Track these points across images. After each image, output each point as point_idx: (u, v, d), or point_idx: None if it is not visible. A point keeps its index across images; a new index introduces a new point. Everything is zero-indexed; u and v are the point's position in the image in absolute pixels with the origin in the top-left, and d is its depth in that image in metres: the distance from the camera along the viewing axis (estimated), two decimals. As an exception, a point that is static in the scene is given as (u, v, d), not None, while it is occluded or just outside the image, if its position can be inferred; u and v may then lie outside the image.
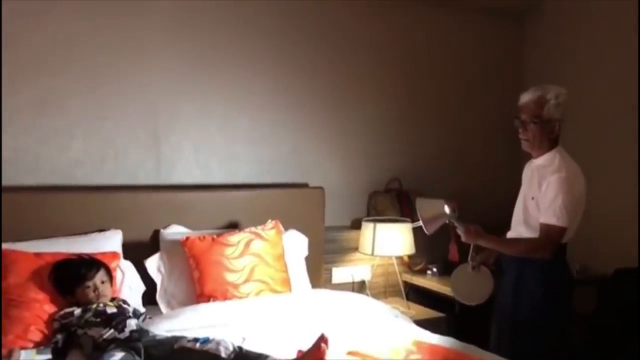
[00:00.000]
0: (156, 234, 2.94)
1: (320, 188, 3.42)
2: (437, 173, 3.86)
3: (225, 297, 2.70)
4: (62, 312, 2.30)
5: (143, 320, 2.42)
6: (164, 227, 2.96)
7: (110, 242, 2.74)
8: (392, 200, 3.63)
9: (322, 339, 2.04)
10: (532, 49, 4.10)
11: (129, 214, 2.88)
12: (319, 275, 3.35)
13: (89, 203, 2.83)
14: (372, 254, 3.39)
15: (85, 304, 2.32)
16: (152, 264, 2.83)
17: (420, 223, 2.63)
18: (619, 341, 2.99)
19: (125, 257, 2.75)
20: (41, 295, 2.38)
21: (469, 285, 2.73)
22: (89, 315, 2.25)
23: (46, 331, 2.29)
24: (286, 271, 2.95)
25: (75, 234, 2.74)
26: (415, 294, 3.64)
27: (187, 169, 3.20)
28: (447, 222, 2.65)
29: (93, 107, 2.96)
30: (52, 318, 2.32)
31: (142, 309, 2.54)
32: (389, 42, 3.71)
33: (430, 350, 2.36)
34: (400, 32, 3.75)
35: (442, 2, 3.78)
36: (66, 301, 2.38)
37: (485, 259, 2.73)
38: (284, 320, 2.52)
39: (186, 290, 2.79)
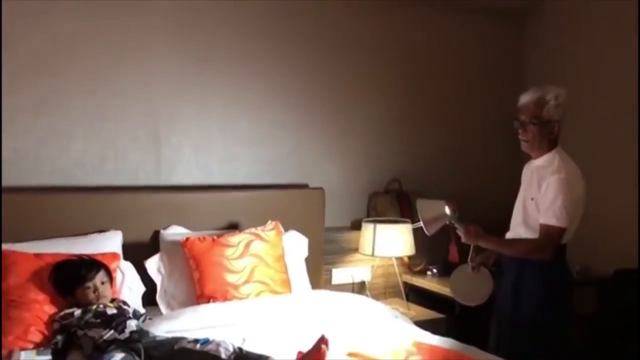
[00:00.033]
0: (156, 235, 2.94)
1: (320, 189, 3.42)
2: (437, 174, 3.86)
3: (225, 298, 2.70)
4: (62, 313, 2.31)
5: (143, 321, 2.42)
6: (164, 228, 2.96)
7: (110, 242, 2.74)
8: (392, 201, 3.63)
9: (323, 340, 2.04)
10: (532, 50, 4.10)
11: (129, 215, 2.88)
12: (319, 276, 3.35)
13: (89, 204, 2.83)
14: (372, 255, 3.39)
15: (85, 305, 2.32)
16: (152, 264, 2.83)
17: (421, 224, 2.63)
18: (619, 342, 2.98)
19: (125, 258, 2.75)
20: (41, 296, 2.38)
21: (469, 286, 2.73)
22: (89, 316, 2.25)
23: (46, 332, 2.29)
24: (286, 272, 2.95)
25: (75, 235, 2.75)
26: (415, 295, 3.64)
27: (187, 170, 3.20)
28: (447, 223, 2.65)
29: (93, 108, 2.96)
30: (52, 319, 2.32)
31: (142, 310, 2.54)
32: (388, 43, 3.71)
33: (431, 351, 2.36)
34: (400, 33, 3.75)
35: (442, 2, 3.78)
36: (66, 302, 2.38)
37: (484, 259, 2.73)
38: (284, 321, 2.52)
39: (186, 291, 2.79)
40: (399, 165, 3.77)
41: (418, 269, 3.69)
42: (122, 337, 2.17)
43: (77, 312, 2.28)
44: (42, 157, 2.86)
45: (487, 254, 2.73)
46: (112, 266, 2.57)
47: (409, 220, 3.46)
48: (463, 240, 2.64)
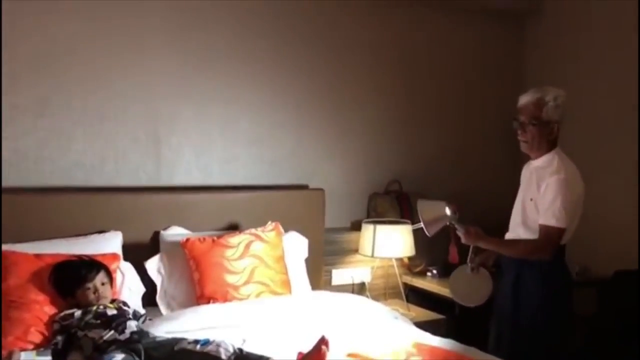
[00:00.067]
0: (156, 236, 2.94)
1: (320, 190, 3.42)
2: (437, 174, 3.86)
3: (225, 299, 2.70)
4: (62, 314, 2.31)
5: (143, 321, 2.43)
6: (164, 229, 2.96)
7: (110, 243, 2.74)
8: (392, 202, 3.63)
9: (323, 341, 2.05)
10: (532, 50, 4.10)
11: (129, 216, 2.89)
12: (319, 276, 3.35)
13: (89, 204, 2.83)
14: (372, 256, 3.39)
15: (85, 306, 2.32)
16: (152, 265, 2.83)
17: (421, 225, 2.63)
18: (619, 343, 2.99)
19: (126, 259, 2.75)
20: (41, 297, 2.38)
21: (468, 287, 2.73)
22: (89, 317, 2.25)
23: (46, 333, 2.29)
24: (286, 273, 2.95)
25: (75, 236, 2.75)
26: (415, 296, 3.63)
27: (187, 171, 3.20)
28: (447, 224, 2.65)
29: (93, 108, 2.96)
30: (52, 320, 2.32)
31: (142, 311, 2.55)
32: (388, 43, 3.71)
33: (431, 352, 2.37)
34: (400, 33, 3.75)
35: (442, 2, 3.78)
36: (66, 303, 2.38)
37: (484, 260, 2.73)
38: (284, 322, 2.52)
39: (186, 291, 2.79)
40: (398, 166, 3.77)
41: (418, 269, 3.69)
42: (122, 337, 2.17)
43: (78, 313, 2.28)
44: (42, 157, 2.87)
45: (487, 254, 2.73)
46: (112, 267, 2.57)
47: (409, 221, 3.46)
48: (463, 241, 2.64)
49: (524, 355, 2.51)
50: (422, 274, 3.67)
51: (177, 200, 3.04)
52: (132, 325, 2.25)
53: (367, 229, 3.41)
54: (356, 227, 3.57)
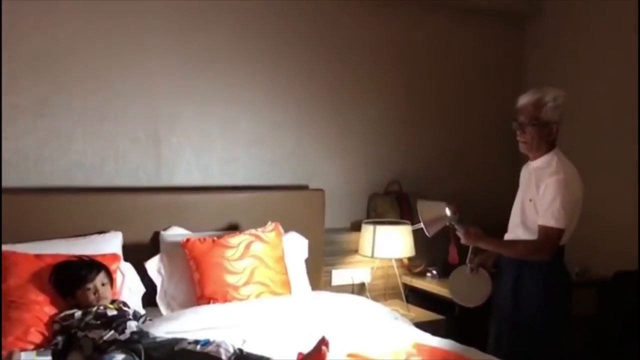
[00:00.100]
0: (156, 236, 2.94)
1: (320, 190, 3.42)
2: (436, 175, 3.86)
3: (225, 299, 2.70)
4: (62, 314, 2.31)
5: (143, 322, 2.42)
6: (164, 229, 2.96)
7: (110, 244, 2.74)
8: (391, 203, 3.63)
9: (323, 342, 2.05)
10: (532, 51, 4.11)
11: (129, 216, 2.89)
12: (318, 277, 3.35)
13: (89, 205, 2.83)
14: (372, 256, 3.39)
15: (85, 306, 2.32)
16: (152, 265, 2.83)
17: (421, 225, 2.64)
18: (619, 344, 2.99)
19: (126, 259, 2.75)
20: (41, 297, 2.38)
21: (467, 287, 2.73)
22: (89, 317, 2.25)
23: (46, 333, 2.29)
24: (286, 273, 2.95)
25: (75, 236, 2.74)
26: (415, 297, 3.64)
27: (187, 171, 3.20)
28: (447, 224, 2.65)
29: (93, 109, 2.96)
30: (52, 320, 2.32)
31: (142, 311, 2.54)
32: (388, 44, 3.71)
33: (430, 352, 2.37)
34: (401, 34, 3.75)
35: (442, 2, 3.78)
36: (66, 303, 2.38)
37: (483, 260, 2.74)
38: (284, 323, 2.52)
39: (186, 292, 2.79)
40: (398, 167, 3.77)
41: (418, 270, 3.69)
42: (123, 338, 2.17)
43: (78, 313, 2.28)
44: (42, 157, 2.87)
45: (486, 255, 2.74)
46: (112, 267, 2.57)
47: (408, 221, 3.46)
48: (462, 241, 2.64)
49: (524, 355, 2.52)
50: (421, 274, 3.67)
51: (177, 201, 3.04)
52: (132, 325, 2.25)
53: (367, 230, 3.41)
54: (356, 227, 3.57)
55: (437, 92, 3.90)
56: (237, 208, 3.16)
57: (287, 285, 2.92)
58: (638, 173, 3.38)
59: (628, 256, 3.26)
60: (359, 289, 3.57)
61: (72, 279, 2.38)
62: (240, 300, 2.72)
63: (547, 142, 2.53)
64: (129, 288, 2.67)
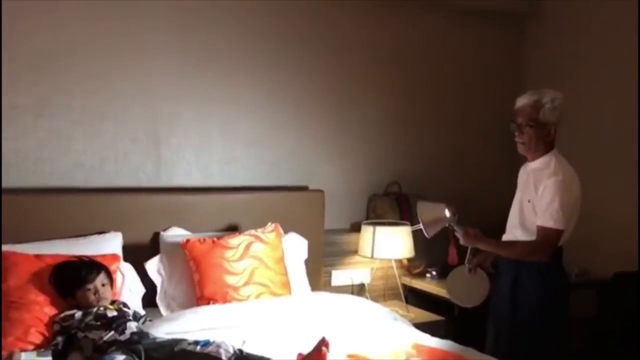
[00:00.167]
0: (156, 237, 2.94)
1: (320, 191, 3.42)
2: (436, 175, 3.86)
3: (225, 300, 2.70)
4: (62, 315, 2.31)
5: (143, 322, 2.42)
6: (164, 230, 2.96)
7: (110, 244, 2.74)
8: (391, 204, 3.63)
9: (323, 342, 2.05)
10: (531, 52, 4.11)
11: (129, 216, 2.88)
12: (318, 278, 3.35)
13: (89, 205, 2.83)
14: (372, 257, 3.39)
15: (85, 307, 2.32)
16: (152, 266, 2.83)
17: (421, 226, 2.64)
18: (618, 345, 2.99)
19: (126, 260, 2.75)
20: (41, 298, 2.38)
21: (466, 288, 2.73)
22: (89, 318, 2.25)
23: (46, 333, 2.29)
24: (286, 274, 2.95)
25: (75, 236, 2.74)
26: (415, 297, 3.64)
27: (187, 171, 3.20)
28: (447, 225, 2.65)
29: (93, 109, 2.96)
30: (52, 320, 2.32)
31: (142, 312, 2.54)
32: (388, 45, 3.71)
33: (430, 353, 2.37)
34: (400, 35, 3.75)
35: (442, 3, 3.78)
36: (66, 303, 2.38)
37: (481, 261, 2.74)
38: (284, 323, 2.52)
39: (186, 292, 2.79)
40: (398, 167, 3.77)
41: (417, 271, 3.69)
42: (123, 338, 2.17)
43: (78, 314, 2.28)
44: (42, 158, 2.86)
45: (484, 255, 2.74)
46: (112, 268, 2.57)
47: (408, 222, 3.46)
48: (462, 242, 2.65)
49: (522, 356, 2.52)
50: (421, 275, 3.67)
51: (177, 201, 3.04)
52: (132, 326, 2.25)
53: (367, 231, 3.42)
54: (356, 228, 3.57)
55: (436, 92, 3.91)
56: (237, 209, 3.16)
57: (286, 285, 2.92)
58: (638, 173, 3.38)
59: (628, 257, 3.26)
60: (359, 290, 3.57)
61: (72, 279, 2.38)
62: (240, 300, 2.72)
63: (545, 143, 2.53)
64: (129, 289, 2.67)
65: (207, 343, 2.10)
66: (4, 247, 2.53)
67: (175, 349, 2.10)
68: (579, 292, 3.06)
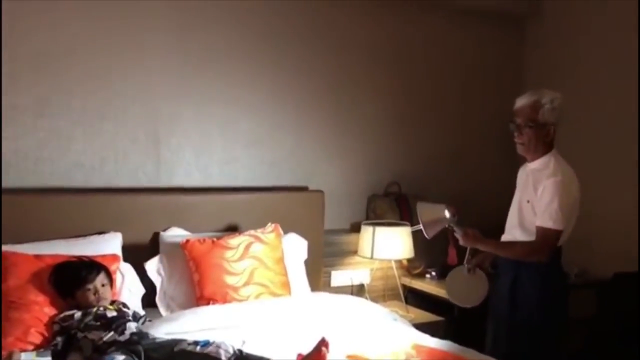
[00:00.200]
0: (156, 237, 2.94)
1: (320, 191, 3.42)
2: (435, 176, 3.87)
3: (225, 300, 2.70)
4: (62, 315, 2.30)
5: (143, 323, 2.42)
6: (164, 230, 2.96)
7: (110, 244, 2.74)
8: (391, 204, 3.64)
9: (323, 343, 2.05)
10: (531, 52, 4.11)
11: (128, 217, 2.88)
12: (318, 278, 3.35)
13: (88, 205, 2.83)
14: (371, 258, 3.39)
15: (85, 307, 2.32)
16: (152, 266, 2.83)
17: (421, 227, 2.64)
18: (618, 346, 2.99)
19: (125, 260, 2.75)
20: (41, 298, 2.38)
21: (464, 288, 2.74)
22: (89, 318, 2.25)
23: (46, 333, 2.29)
24: (286, 274, 2.95)
25: (75, 236, 2.74)
26: (414, 298, 3.64)
27: (187, 172, 3.20)
28: (446, 226, 2.66)
29: (93, 109, 2.96)
30: (52, 320, 2.32)
31: (142, 312, 2.54)
32: (387, 46, 3.72)
33: (430, 353, 2.37)
34: (400, 36, 3.75)
35: (442, 3, 3.78)
36: (66, 303, 2.38)
37: (480, 261, 2.75)
38: (284, 324, 2.52)
39: (186, 293, 2.79)
40: (398, 168, 3.78)
41: (417, 271, 3.69)
42: (122, 339, 2.17)
43: (77, 314, 2.28)
44: (41, 158, 2.86)
45: (483, 256, 2.75)
46: (112, 268, 2.57)
47: (408, 223, 3.46)
48: (461, 243, 2.65)
49: (521, 356, 2.53)
50: (421, 275, 3.67)
51: (176, 202, 3.04)
52: (131, 326, 2.25)
53: (366, 231, 3.42)
54: (355, 228, 3.57)
55: (436, 93, 3.91)
56: (236, 209, 3.16)
57: (286, 286, 2.92)
58: (638, 173, 3.38)
59: (627, 257, 3.26)
60: (358, 290, 3.57)
61: (72, 279, 2.38)
62: (240, 301, 2.72)
63: (544, 144, 2.54)
64: (128, 289, 2.67)
65: (206, 343, 2.10)
66: (4, 247, 2.53)
67: (175, 349, 2.10)
68: (578, 293, 3.07)
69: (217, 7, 3.20)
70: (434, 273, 3.62)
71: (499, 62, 4.10)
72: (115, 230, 2.82)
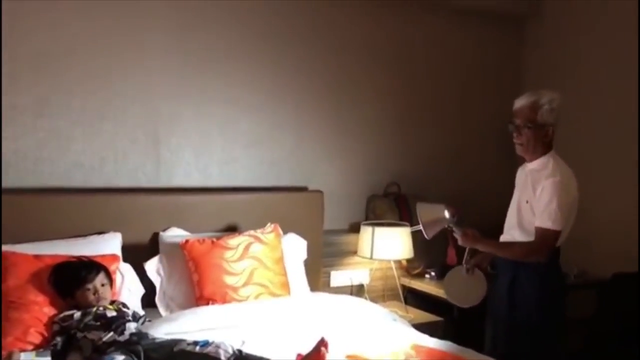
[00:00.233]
0: (155, 237, 2.94)
1: (319, 192, 3.42)
2: (435, 176, 3.87)
3: (224, 300, 2.70)
4: (61, 315, 2.31)
5: (142, 323, 2.42)
6: (164, 230, 2.96)
7: (109, 244, 2.74)
8: (390, 204, 3.64)
9: (322, 343, 2.05)
10: (531, 52, 4.11)
11: (128, 217, 2.88)
12: (317, 278, 3.35)
13: (88, 205, 2.83)
14: (371, 258, 3.39)
15: (85, 307, 2.32)
16: (152, 266, 2.83)
17: (420, 227, 2.65)
18: (618, 346, 3.00)
19: (125, 260, 2.75)
20: (41, 298, 2.38)
21: (463, 288, 2.75)
22: (88, 318, 2.25)
23: (46, 333, 2.29)
24: (285, 274, 2.96)
25: (74, 236, 2.74)
26: (414, 298, 3.64)
27: (186, 172, 3.20)
28: (446, 226, 2.66)
29: (93, 109, 2.96)
30: (51, 320, 2.32)
31: (142, 312, 2.54)
32: (387, 46, 3.72)
33: (429, 353, 2.38)
34: (400, 36, 3.76)
35: (442, 3, 3.78)
36: (66, 303, 2.38)
37: (479, 261, 2.76)
38: (283, 324, 2.52)
39: (185, 293, 2.79)
40: (397, 168, 3.78)
41: (416, 272, 3.69)
42: (122, 339, 2.18)
43: (77, 314, 2.28)
44: (41, 158, 2.86)
45: (482, 256, 2.76)
46: (111, 268, 2.57)
47: (407, 223, 3.46)
48: (460, 243, 2.66)
49: (520, 356, 2.53)
50: (420, 276, 3.67)
51: (176, 202, 3.04)
52: (131, 326, 2.25)
53: (366, 231, 3.42)
54: (355, 229, 3.57)
55: (435, 93, 3.91)
56: (236, 209, 3.16)
57: (286, 286, 2.92)
58: (638, 173, 3.39)
59: (627, 257, 3.27)
60: (358, 290, 3.57)
61: (72, 279, 2.38)
62: (239, 301, 2.73)
63: (543, 144, 2.54)
64: (128, 289, 2.67)
65: (206, 343, 2.10)
66: (4, 247, 2.53)
67: (175, 349, 2.10)
68: (578, 293, 3.08)
69: (217, 7, 3.20)
70: (433, 273, 3.62)
71: (498, 63, 4.11)
72: (115, 231, 2.82)
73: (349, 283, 3.56)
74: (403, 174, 3.77)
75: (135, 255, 2.80)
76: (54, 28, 2.85)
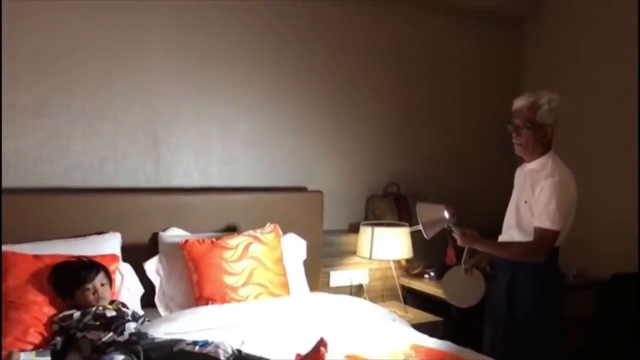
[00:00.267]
0: (155, 237, 2.94)
1: (319, 192, 3.42)
2: (434, 176, 3.87)
3: (224, 300, 2.70)
4: (61, 315, 2.31)
5: (142, 323, 2.42)
6: (163, 230, 2.96)
7: (109, 244, 2.74)
8: (390, 205, 3.64)
9: (322, 343, 2.05)
10: (530, 52, 4.12)
11: (128, 217, 2.89)
12: (317, 278, 3.35)
13: (88, 205, 2.83)
14: (370, 258, 3.40)
15: (84, 307, 2.32)
16: (151, 266, 2.84)
17: (420, 227, 2.65)
18: (617, 346, 3.00)
19: (124, 260, 2.75)
20: (40, 298, 2.38)
21: (461, 288, 2.75)
22: (88, 318, 2.26)
23: (45, 333, 2.29)
24: (285, 274, 2.96)
25: (74, 236, 2.74)
26: (413, 298, 3.64)
27: (186, 172, 3.20)
28: (446, 227, 2.66)
29: (93, 109, 2.96)
30: (51, 320, 2.32)
31: (141, 312, 2.54)
32: (387, 47, 3.72)
33: (428, 353, 2.38)
34: (400, 36, 3.76)
35: (441, 3, 3.78)
36: (65, 303, 2.38)
37: (478, 261, 2.76)
38: (283, 324, 2.52)
39: (185, 293, 2.79)
40: (396, 168, 3.78)
41: (415, 272, 3.69)
42: (121, 339, 2.18)
43: (77, 314, 2.28)
44: (41, 158, 2.86)
45: (481, 256, 2.76)
46: (111, 268, 2.57)
47: (406, 223, 3.47)
48: (459, 243, 2.66)
49: (519, 356, 2.54)
50: (419, 276, 3.67)
51: (176, 202, 3.04)
52: (131, 326, 2.25)
53: (365, 231, 3.42)
54: (354, 229, 3.57)
55: (435, 93, 3.91)
56: (236, 209, 3.16)
57: (285, 286, 2.93)
58: (638, 173, 3.39)
59: (626, 258, 3.27)
60: (357, 291, 3.58)
61: (71, 279, 2.39)
62: (239, 301, 2.73)
63: (542, 145, 2.55)
64: (127, 289, 2.68)
65: (205, 343, 2.10)
66: (4, 247, 2.53)
67: (174, 349, 2.10)
68: (577, 293, 3.08)
69: (217, 7, 3.21)
70: (432, 273, 3.62)
71: (498, 63, 4.11)
72: (115, 230, 2.83)
73: (348, 283, 3.56)
74: (402, 174, 3.77)
75: (135, 255, 2.81)
76: (54, 28, 2.85)
